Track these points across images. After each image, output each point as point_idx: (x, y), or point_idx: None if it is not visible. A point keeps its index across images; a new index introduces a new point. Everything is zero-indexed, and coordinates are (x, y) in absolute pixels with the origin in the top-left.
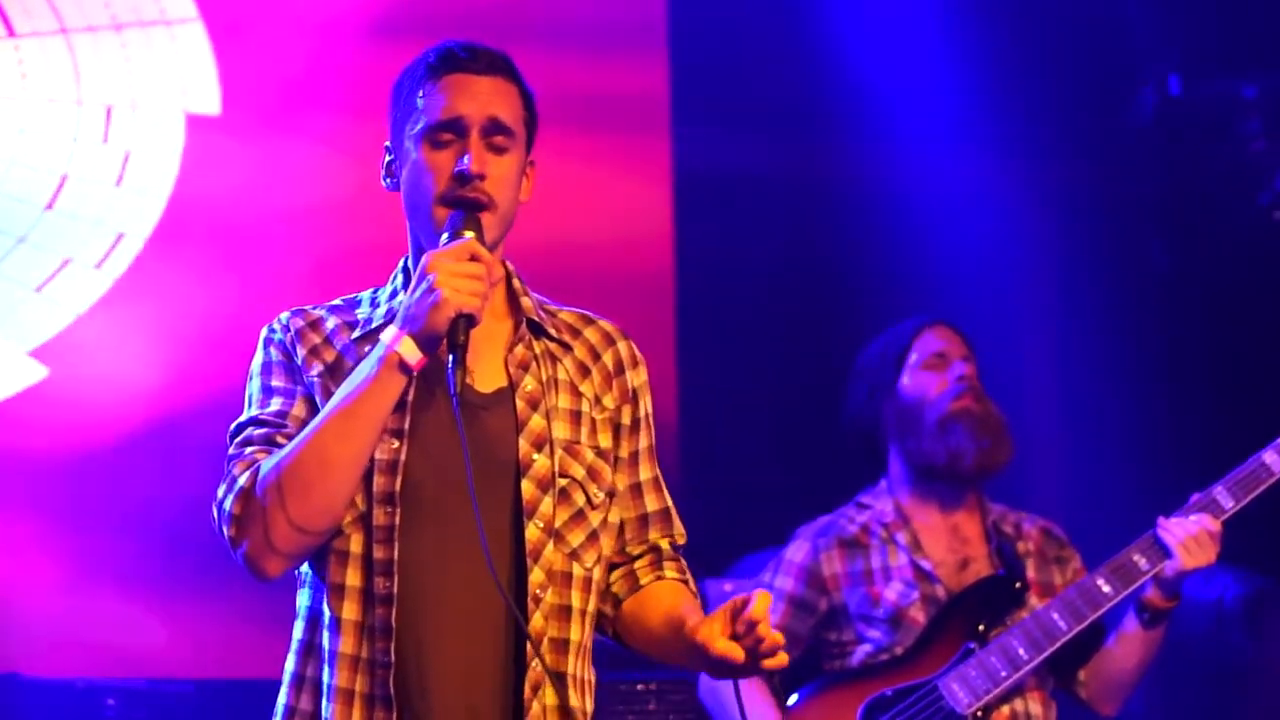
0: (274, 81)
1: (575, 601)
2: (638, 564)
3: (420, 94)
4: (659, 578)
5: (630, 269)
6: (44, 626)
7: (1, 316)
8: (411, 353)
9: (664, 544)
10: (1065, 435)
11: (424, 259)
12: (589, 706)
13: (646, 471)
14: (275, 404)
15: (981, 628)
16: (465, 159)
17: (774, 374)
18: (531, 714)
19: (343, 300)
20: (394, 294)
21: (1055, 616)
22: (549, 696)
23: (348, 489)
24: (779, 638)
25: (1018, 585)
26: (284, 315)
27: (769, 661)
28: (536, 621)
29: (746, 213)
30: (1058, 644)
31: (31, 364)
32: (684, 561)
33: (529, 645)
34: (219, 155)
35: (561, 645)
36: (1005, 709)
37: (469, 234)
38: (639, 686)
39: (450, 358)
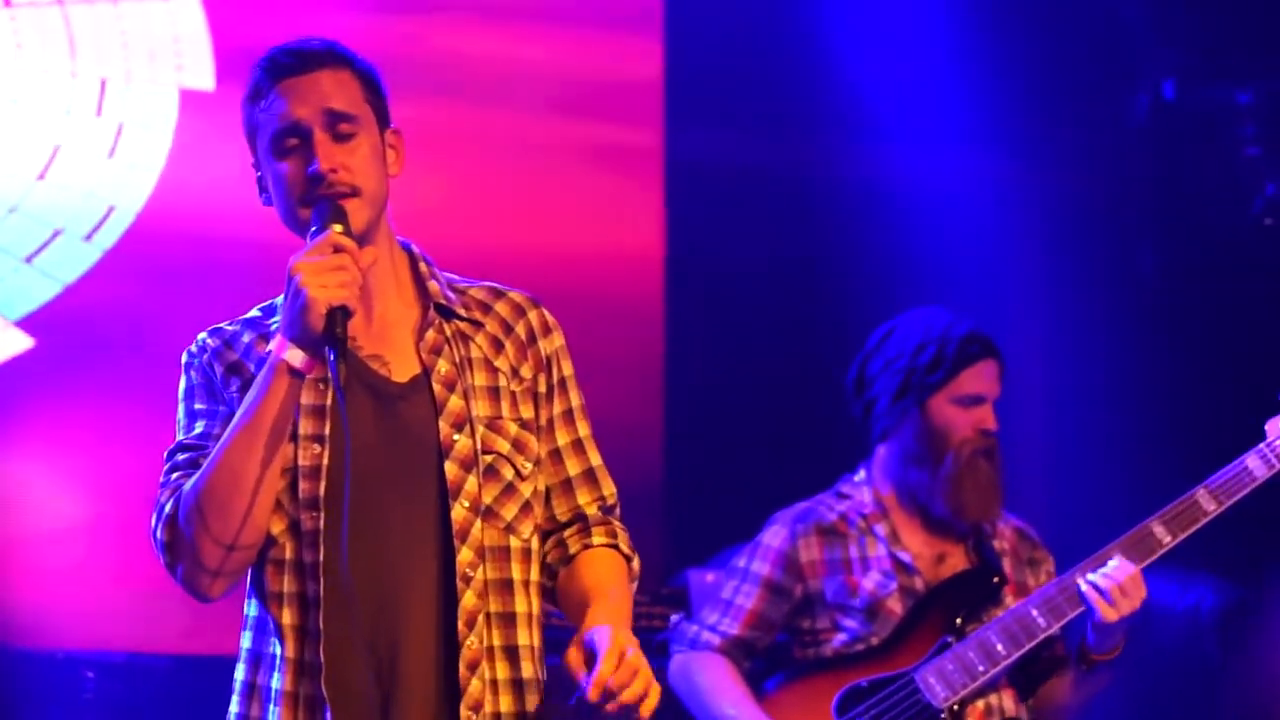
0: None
1: (516, 574)
2: (566, 532)
3: (259, 109)
4: (586, 546)
5: (621, 266)
6: (24, 598)
7: None
8: (296, 357)
9: (591, 509)
10: (1052, 437)
11: (289, 264)
12: (543, 675)
13: (565, 436)
14: (199, 427)
15: (959, 621)
16: (312, 161)
17: (764, 368)
18: (470, 692)
19: (260, 310)
20: None
21: (1034, 613)
22: (498, 671)
23: (264, 500)
24: (642, 689)
25: (995, 580)
26: (201, 336)
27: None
28: (468, 600)
29: (739, 208)
30: (1036, 640)
31: (17, 334)
32: (617, 524)
33: (460, 625)
34: (212, 130)
35: (508, 618)
36: (980, 704)
37: (336, 226)
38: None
39: (331, 354)
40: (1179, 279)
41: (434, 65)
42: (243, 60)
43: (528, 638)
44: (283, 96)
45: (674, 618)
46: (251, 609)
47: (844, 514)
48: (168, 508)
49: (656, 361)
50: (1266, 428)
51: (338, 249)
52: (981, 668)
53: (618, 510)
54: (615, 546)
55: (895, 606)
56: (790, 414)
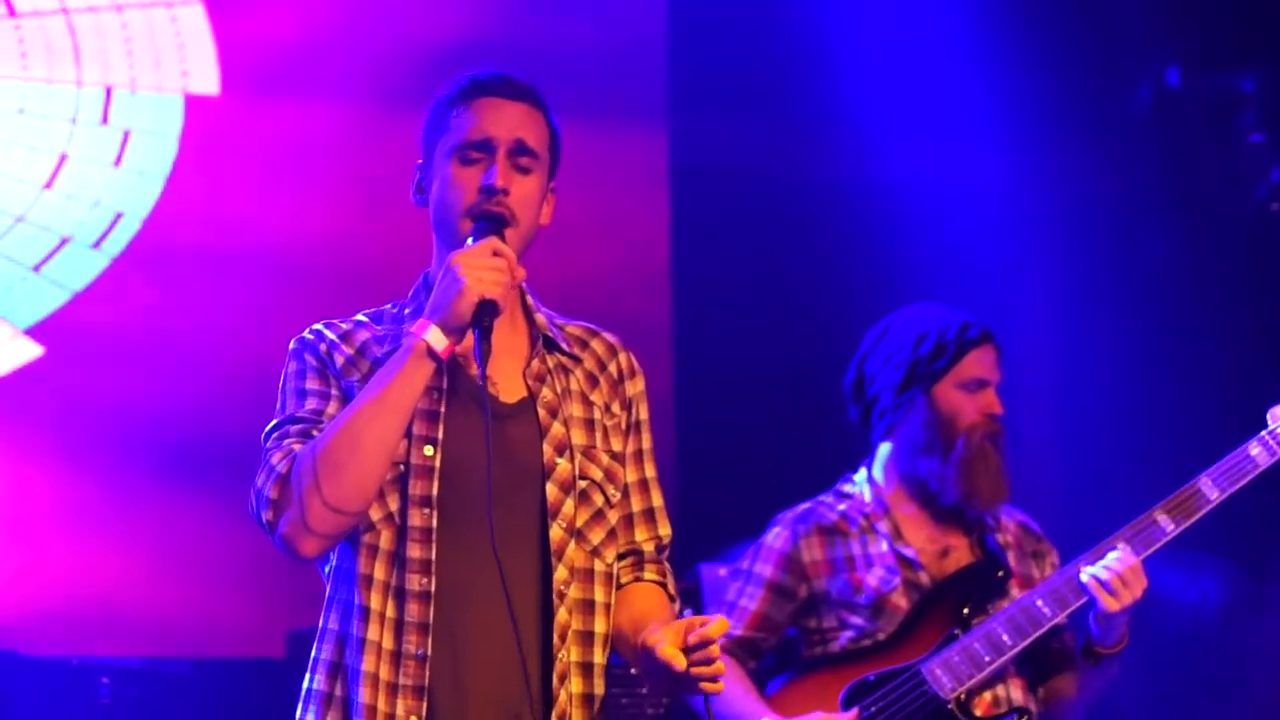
0: (273, 62)
1: (598, 595)
2: (620, 564)
3: (453, 114)
4: (638, 579)
5: (626, 263)
6: (38, 605)
7: None
8: (438, 340)
9: (648, 547)
10: (1060, 426)
11: (449, 258)
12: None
13: (634, 474)
14: (310, 404)
15: (965, 614)
16: (491, 172)
17: (771, 363)
18: (559, 701)
19: (366, 315)
20: (418, 310)
21: (1040, 603)
22: (575, 685)
23: (378, 471)
24: (722, 668)
25: (1000, 574)
26: (316, 326)
27: (708, 685)
28: (561, 615)
29: (743, 206)
30: (1042, 630)
31: (26, 343)
32: (667, 565)
33: (555, 638)
34: (218, 136)
35: (588, 638)
36: (987, 695)
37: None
38: (633, 670)
39: (475, 335)
40: (1186, 265)
41: (438, 72)
42: (247, 65)
43: (602, 656)
44: (482, 110)
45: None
46: (334, 590)
47: (845, 513)
48: (280, 467)
49: (665, 356)
50: (1269, 415)
51: (496, 253)
52: (988, 659)
53: (668, 552)
54: (664, 585)
55: (900, 601)
56: (801, 408)
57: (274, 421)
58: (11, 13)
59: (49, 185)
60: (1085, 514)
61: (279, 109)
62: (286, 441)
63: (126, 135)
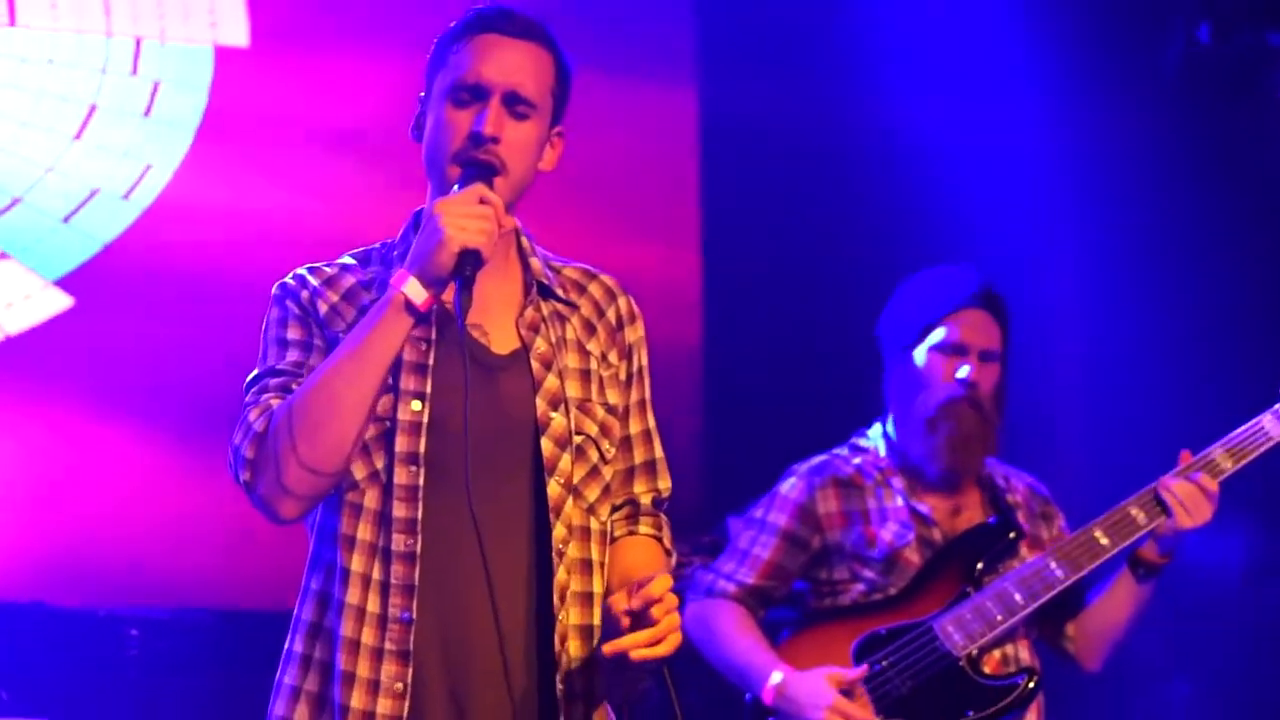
0: (302, 13)
1: (595, 554)
2: (614, 517)
3: (452, 51)
4: (631, 532)
5: (655, 223)
6: (66, 556)
7: (28, 246)
8: (417, 293)
9: (645, 499)
10: (1091, 392)
11: (432, 206)
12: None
13: (637, 425)
14: (291, 355)
15: (977, 572)
16: (481, 118)
17: (801, 320)
18: (562, 664)
19: (353, 258)
20: (406, 251)
21: (1053, 565)
22: (574, 649)
23: (356, 429)
24: (668, 628)
25: (1012, 535)
26: (299, 271)
27: (643, 652)
28: (560, 575)
29: (775, 164)
30: (1054, 591)
31: (56, 293)
32: (664, 518)
33: (555, 599)
34: (247, 87)
35: (587, 598)
36: (997, 652)
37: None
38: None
39: (456, 285)
40: (1216, 224)
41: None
42: (276, 16)
43: (599, 617)
44: (481, 49)
45: (690, 567)
46: (317, 549)
47: (860, 467)
48: (257, 425)
49: (694, 309)
50: None
51: (484, 200)
52: (1000, 617)
53: (666, 505)
54: (659, 539)
55: (913, 557)
56: (831, 363)
57: (254, 373)
58: None
59: (78, 136)
60: (1111, 472)
61: (309, 61)
62: (265, 396)
63: (156, 86)
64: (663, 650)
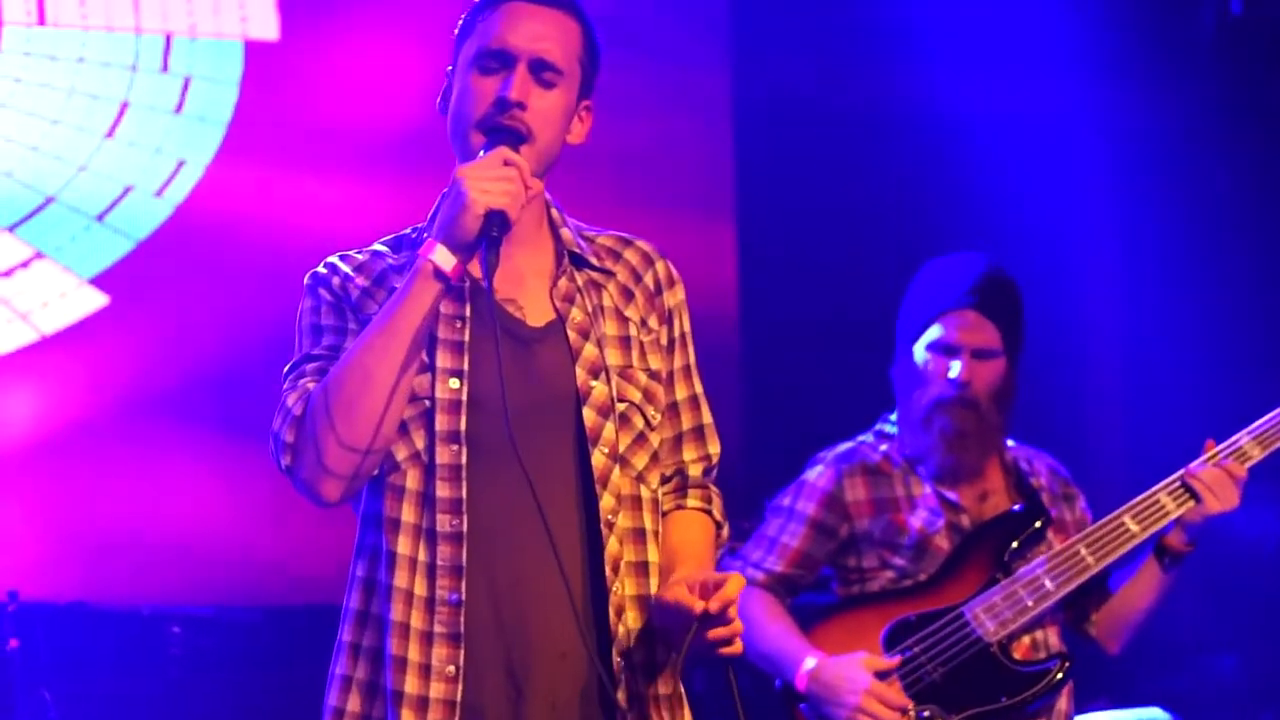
0: (332, 6)
1: (647, 523)
2: (664, 488)
3: (480, 19)
4: (679, 506)
5: (691, 204)
6: (109, 555)
7: (62, 245)
8: (445, 259)
9: (694, 468)
10: (1125, 365)
11: (456, 171)
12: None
13: (682, 391)
14: (326, 340)
15: (1007, 558)
16: (507, 84)
17: (838, 299)
18: (619, 637)
19: (384, 244)
20: None
21: (1083, 551)
22: (631, 619)
23: (391, 403)
24: (739, 628)
25: (1039, 523)
26: (331, 259)
27: (727, 650)
28: (612, 546)
29: (811, 144)
30: (1084, 578)
31: (91, 292)
32: (713, 489)
33: (607, 570)
34: (278, 81)
35: (642, 568)
36: (1026, 638)
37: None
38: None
39: (481, 246)
40: (1249, 194)
41: None
42: (306, 9)
43: (656, 588)
44: (508, 17)
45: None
46: (366, 536)
47: (887, 454)
48: (295, 409)
49: (731, 292)
50: None
51: (508, 163)
52: (1030, 603)
53: (715, 472)
54: (709, 512)
55: (943, 543)
56: (868, 343)
57: (291, 362)
58: None
59: (110, 134)
60: (1143, 458)
61: (339, 53)
62: (302, 381)
63: (187, 82)
64: (738, 649)
